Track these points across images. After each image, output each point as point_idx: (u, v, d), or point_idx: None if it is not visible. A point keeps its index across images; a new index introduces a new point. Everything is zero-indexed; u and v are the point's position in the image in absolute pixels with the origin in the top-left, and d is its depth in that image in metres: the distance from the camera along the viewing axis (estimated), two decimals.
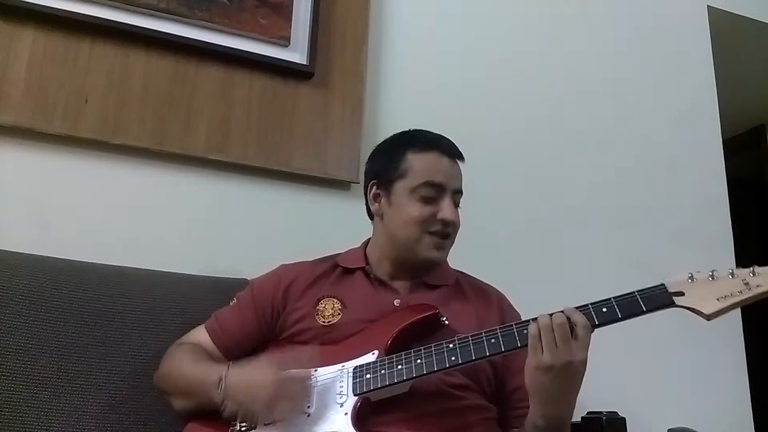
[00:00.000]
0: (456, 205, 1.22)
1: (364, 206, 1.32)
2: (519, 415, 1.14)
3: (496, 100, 1.98)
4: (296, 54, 1.70)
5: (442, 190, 1.19)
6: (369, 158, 1.33)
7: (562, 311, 0.98)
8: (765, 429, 2.09)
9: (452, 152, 1.24)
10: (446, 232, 1.20)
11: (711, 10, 2.37)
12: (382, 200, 1.25)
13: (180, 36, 1.58)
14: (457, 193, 1.23)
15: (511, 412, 1.18)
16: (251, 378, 1.04)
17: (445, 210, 1.18)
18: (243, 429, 1.04)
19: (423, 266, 1.23)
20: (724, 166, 2.24)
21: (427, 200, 1.18)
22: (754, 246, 2.04)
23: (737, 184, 2.31)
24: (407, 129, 1.31)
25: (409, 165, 1.21)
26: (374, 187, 1.26)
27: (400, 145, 1.26)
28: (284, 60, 1.68)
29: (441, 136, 1.26)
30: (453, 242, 1.24)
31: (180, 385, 1.12)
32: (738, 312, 2.06)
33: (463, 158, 1.26)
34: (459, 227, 1.24)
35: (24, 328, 1.19)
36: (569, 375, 0.96)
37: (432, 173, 1.19)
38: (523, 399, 1.15)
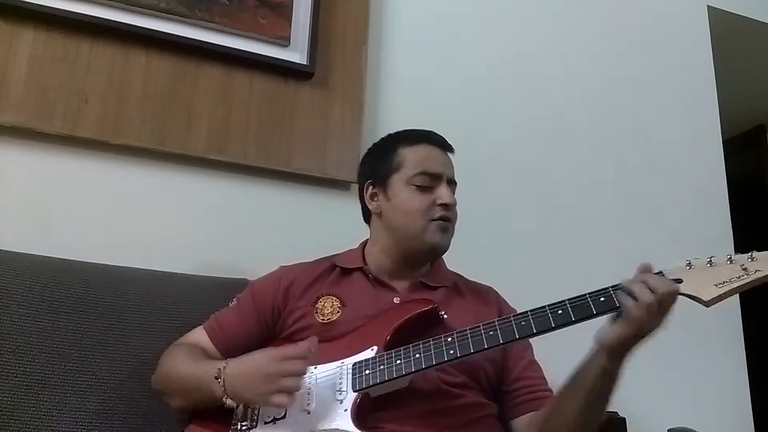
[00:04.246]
0: (453, 194, 1.24)
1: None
2: (529, 399, 1.16)
3: (496, 99, 1.98)
4: (296, 54, 1.70)
5: (438, 178, 1.22)
6: (361, 162, 1.36)
7: (648, 280, 0.95)
8: (765, 429, 2.09)
9: (443, 144, 1.27)
10: (447, 216, 1.21)
11: (711, 10, 2.37)
12: (379, 197, 1.26)
13: (180, 36, 1.58)
14: (452, 182, 1.25)
15: (518, 399, 1.18)
16: (247, 367, 1.04)
17: (443, 195, 1.20)
18: (244, 428, 1.04)
19: (429, 254, 1.24)
20: (724, 166, 2.24)
21: (424, 189, 1.21)
22: (754, 246, 2.04)
23: (737, 184, 2.31)
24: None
25: (403, 158, 1.24)
26: (370, 187, 1.28)
27: (390, 142, 1.29)
28: (284, 60, 1.68)
29: (430, 131, 1.29)
30: (453, 231, 1.25)
31: (180, 384, 1.12)
32: (738, 311, 2.06)
33: (453, 150, 1.29)
34: (456, 218, 1.25)
35: (24, 328, 1.19)
36: (650, 336, 0.96)
37: (426, 163, 1.22)
38: (529, 385, 1.18)
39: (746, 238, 2.22)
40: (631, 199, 2.07)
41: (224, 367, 1.04)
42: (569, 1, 2.18)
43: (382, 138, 1.34)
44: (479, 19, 2.03)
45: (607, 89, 2.14)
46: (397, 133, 1.31)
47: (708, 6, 2.37)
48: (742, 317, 2.07)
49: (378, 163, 1.28)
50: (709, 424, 1.70)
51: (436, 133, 1.29)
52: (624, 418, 1.55)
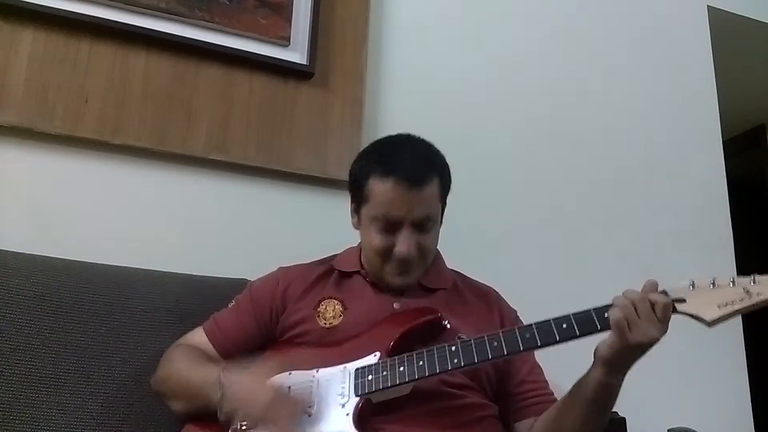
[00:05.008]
0: (425, 230, 1.16)
1: None
2: (533, 403, 1.17)
3: (496, 100, 1.98)
4: (296, 54, 1.70)
5: (400, 224, 1.14)
6: (353, 162, 1.25)
7: (627, 291, 0.98)
8: (765, 429, 2.09)
9: (411, 177, 1.13)
10: (404, 268, 1.17)
11: (711, 10, 2.37)
12: (356, 217, 1.24)
13: (180, 36, 1.58)
14: (421, 221, 1.15)
15: (522, 402, 1.19)
16: (250, 384, 1.03)
17: (400, 244, 1.14)
18: (243, 428, 1.04)
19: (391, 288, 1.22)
20: (724, 166, 2.24)
21: (387, 230, 1.15)
22: (754, 247, 2.04)
23: (737, 184, 2.31)
24: (388, 135, 1.27)
25: (370, 190, 1.16)
26: (352, 203, 1.25)
27: (367, 162, 1.20)
28: (284, 60, 1.67)
29: (405, 158, 1.16)
30: (425, 265, 1.21)
31: (180, 388, 1.12)
32: None
33: (426, 183, 1.15)
34: (431, 251, 1.21)
35: (24, 329, 1.19)
36: (646, 350, 0.96)
37: (388, 206, 1.14)
38: (533, 389, 1.19)
39: (746, 238, 2.23)
40: (632, 199, 2.07)
41: (222, 376, 1.04)
42: (569, 2, 2.18)
43: (371, 145, 1.27)
44: (479, 19, 2.02)
45: (607, 89, 2.14)
46: (377, 152, 1.22)
47: (708, 6, 2.37)
48: (742, 318, 2.07)
49: (355, 183, 1.21)
50: (709, 424, 1.70)
51: (409, 164, 1.15)
52: (624, 418, 1.55)
